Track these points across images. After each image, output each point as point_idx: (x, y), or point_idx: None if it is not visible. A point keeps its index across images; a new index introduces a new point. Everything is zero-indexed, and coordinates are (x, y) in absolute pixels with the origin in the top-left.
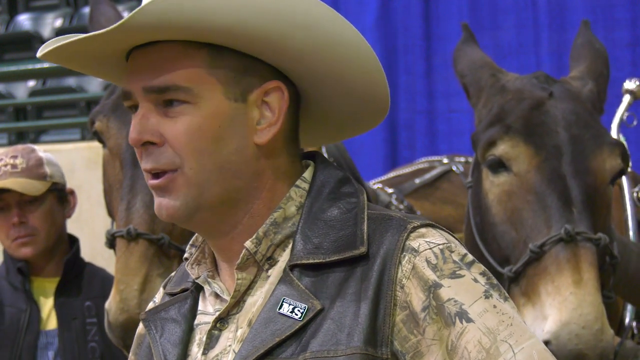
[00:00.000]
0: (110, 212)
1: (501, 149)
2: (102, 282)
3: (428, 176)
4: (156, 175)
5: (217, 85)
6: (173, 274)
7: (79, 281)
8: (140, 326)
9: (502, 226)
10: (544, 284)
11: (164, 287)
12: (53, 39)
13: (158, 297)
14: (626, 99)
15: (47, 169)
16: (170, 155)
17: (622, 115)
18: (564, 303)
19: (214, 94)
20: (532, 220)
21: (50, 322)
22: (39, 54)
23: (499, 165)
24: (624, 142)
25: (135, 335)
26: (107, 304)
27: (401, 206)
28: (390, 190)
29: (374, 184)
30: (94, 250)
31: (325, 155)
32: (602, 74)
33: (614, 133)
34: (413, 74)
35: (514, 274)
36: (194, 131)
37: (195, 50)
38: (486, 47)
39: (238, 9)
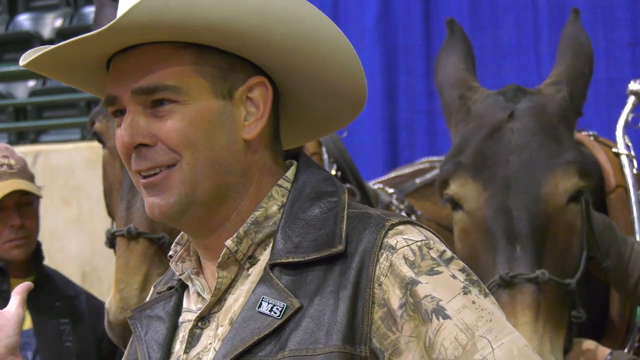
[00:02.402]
0: (110, 212)
1: (452, 188)
2: (65, 283)
3: (429, 176)
4: (148, 174)
5: (205, 83)
6: (164, 275)
7: (47, 282)
8: None
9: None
10: None
11: (155, 287)
12: (34, 49)
13: (149, 298)
14: (631, 100)
15: (30, 170)
16: (165, 152)
17: (627, 116)
18: None
19: (201, 91)
20: (483, 259)
21: (26, 322)
22: (22, 62)
23: (454, 204)
24: (630, 144)
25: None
26: (107, 303)
27: (402, 206)
28: (390, 190)
29: (375, 184)
30: (94, 250)
31: (326, 155)
32: (582, 73)
33: (619, 134)
34: (413, 74)
35: None
36: (187, 127)
37: (181, 50)
38: (486, 47)
39: (224, 7)
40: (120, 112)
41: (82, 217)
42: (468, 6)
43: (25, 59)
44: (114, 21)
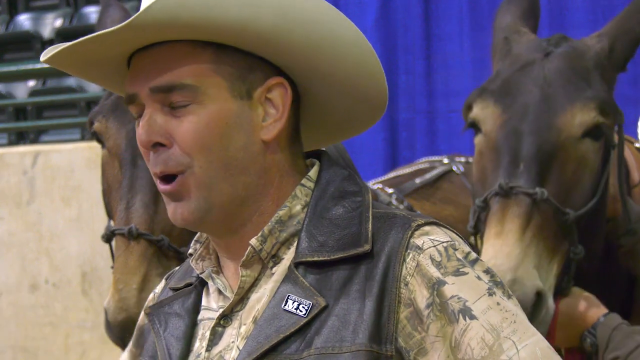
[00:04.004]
0: (109, 213)
1: (474, 111)
2: None
3: (428, 176)
4: (166, 180)
5: (223, 83)
6: (177, 268)
7: None
8: (141, 318)
9: (477, 185)
10: (483, 235)
11: (166, 280)
12: (54, 46)
13: (159, 289)
14: None
15: None
16: (178, 156)
17: None
18: (484, 254)
19: (219, 92)
20: (490, 178)
21: None
22: (42, 57)
23: (476, 128)
24: None
25: (136, 327)
26: (105, 303)
27: (401, 206)
28: (390, 191)
29: (374, 184)
30: (94, 250)
31: None
32: (630, 30)
33: None
34: (413, 74)
35: (471, 229)
36: (202, 129)
37: (200, 49)
38: (486, 46)
39: (244, 5)
40: (142, 111)
41: (82, 217)
42: (468, 6)
43: (45, 54)
44: (132, 18)
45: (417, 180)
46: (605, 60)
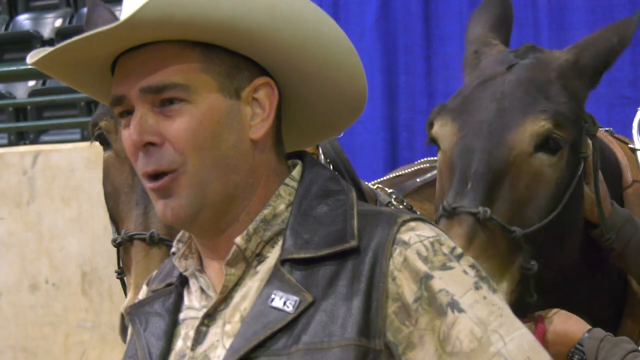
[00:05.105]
0: (114, 217)
1: (434, 129)
2: None
3: (429, 176)
4: (156, 177)
5: (212, 82)
6: (154, 272)
7: None
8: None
9: (437, 204)
10: None
11: (147, 285)
12: (41, 49)
13: (142, 295)
14: None
15: None
16: (171, 154)
17: None
18: None
19: (210, 90)
20: (445, 196)
21: None
22: (29, 60)
23: (437, 145)
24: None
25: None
26: (122, 309)
27: (401, 206)
28: (390, 191)
29: (374, 184)
30: (94, 250)
31: (322, 156)
32: (606, 40)
33: (635, 131)
34: (413, 74)
35: None
36: (195, 127)
37: (189, 50)
38: None
39: (235, 4)
40: (127, 113)
41: (82, 217)
42: (468, 6)
43: (32, 57)
44: (128, 16)
45: (418, 180)
46: (569, 71)
